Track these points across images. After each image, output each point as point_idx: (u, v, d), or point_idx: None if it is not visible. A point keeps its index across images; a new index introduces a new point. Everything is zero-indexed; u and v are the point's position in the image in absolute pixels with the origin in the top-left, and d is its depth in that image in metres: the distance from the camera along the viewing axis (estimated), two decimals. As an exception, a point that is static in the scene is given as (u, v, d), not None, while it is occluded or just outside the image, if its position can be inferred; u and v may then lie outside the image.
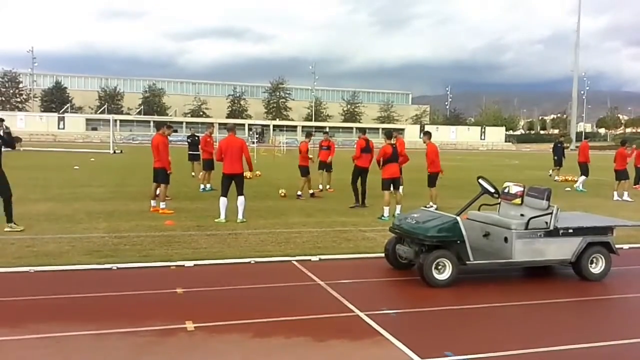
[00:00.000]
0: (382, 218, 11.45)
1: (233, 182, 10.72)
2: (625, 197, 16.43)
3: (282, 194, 15.01)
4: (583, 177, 19.08)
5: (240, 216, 10.77)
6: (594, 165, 20.16)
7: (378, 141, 16.29)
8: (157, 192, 11.94)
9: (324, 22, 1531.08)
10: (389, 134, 12.28)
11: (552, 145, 24.79)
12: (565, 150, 23.38)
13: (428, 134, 13.96)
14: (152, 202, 11.92)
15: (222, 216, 10.68)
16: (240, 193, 10.75)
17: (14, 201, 9.61)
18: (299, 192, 14.75)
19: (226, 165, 10.66)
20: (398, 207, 11.89)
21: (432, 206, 12.42)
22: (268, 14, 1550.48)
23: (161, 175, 11.78)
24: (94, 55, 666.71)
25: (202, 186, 15.96)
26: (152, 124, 77.09)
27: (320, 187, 16.29)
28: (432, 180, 13.35)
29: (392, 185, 11.74)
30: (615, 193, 16.62)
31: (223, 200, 10.66)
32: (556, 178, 22.36)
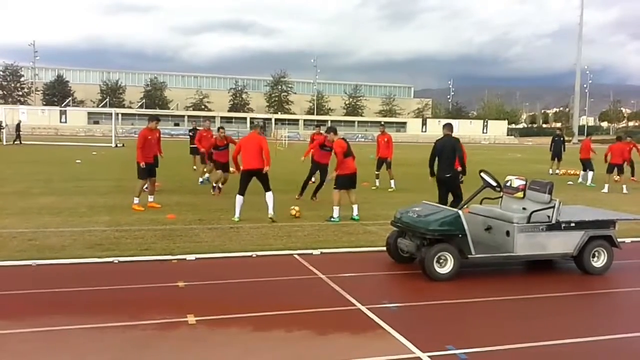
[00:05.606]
0: (332, 219, 10.55)
1: (254, 179, 10.38)
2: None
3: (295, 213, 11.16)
4: (591, 172, 18.99)
5: (271, 211, 10.33)
6: (594, 159, 20.06)
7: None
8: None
9: (332, 16, 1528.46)
10: (334, 129, 11.91)
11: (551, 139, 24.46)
12: (565, 143, 23.19)
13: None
14: (150, 198, 11.84)
15: (237, 214, 10.32)
16: (268, 189, 10.40)
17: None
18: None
19: (245, 161, 10.40)
20: (355, 207, 10.86)
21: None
22: (275, 7, 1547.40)
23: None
24: (100, 49, 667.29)
25: (200, 179, 16.18)
26: (154, 117, 76.90)
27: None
28: None
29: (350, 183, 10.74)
30: None
31: (240, 199, 10.30)
32: (557, 172, 22.31)
